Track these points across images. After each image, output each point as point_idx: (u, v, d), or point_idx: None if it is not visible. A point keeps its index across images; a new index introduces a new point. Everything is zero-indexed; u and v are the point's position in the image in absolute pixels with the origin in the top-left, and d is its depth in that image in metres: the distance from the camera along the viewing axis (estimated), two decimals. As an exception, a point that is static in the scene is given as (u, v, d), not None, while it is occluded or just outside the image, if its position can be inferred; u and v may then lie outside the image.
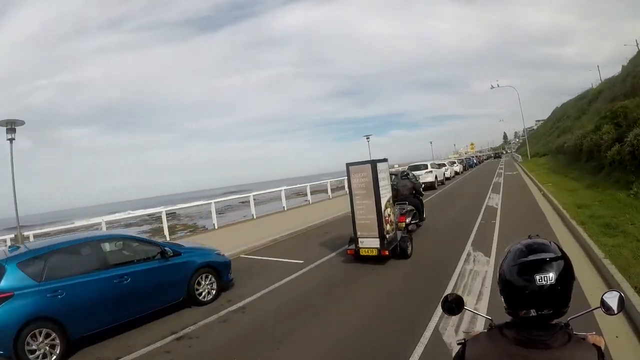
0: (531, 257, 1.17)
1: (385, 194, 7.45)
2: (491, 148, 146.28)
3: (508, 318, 1.25)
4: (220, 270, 6.43)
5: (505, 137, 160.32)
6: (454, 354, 1.37)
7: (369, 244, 7.15)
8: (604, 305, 1.37)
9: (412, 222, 9.27)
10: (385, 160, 7.82)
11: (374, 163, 7.22)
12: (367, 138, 29.92)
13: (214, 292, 6.22)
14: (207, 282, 6.19)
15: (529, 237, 1.28)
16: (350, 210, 7.49)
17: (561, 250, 1.20)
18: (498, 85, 44.16)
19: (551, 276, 1.13)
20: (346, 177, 7.55)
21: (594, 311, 1.46)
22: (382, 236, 7.08)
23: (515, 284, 1.17)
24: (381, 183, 7.27)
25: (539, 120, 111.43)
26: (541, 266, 1.14)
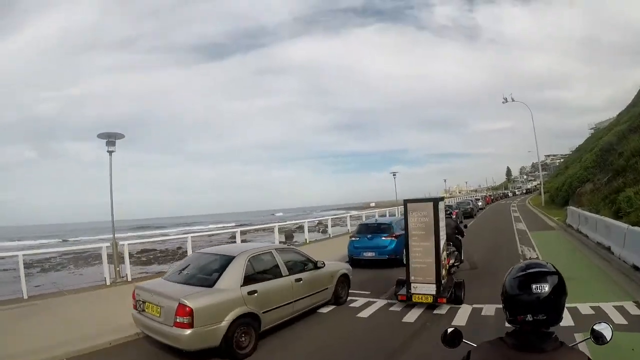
0: (529, 271, 1.39)
1: (443, 236, 6.91)
2: (490, 187, 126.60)
3: None
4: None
5: (508, 173, 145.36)
6: None
7: (424, 289, 6.53)
8: (594, 336, 1.59)
9: (454, 264, 8.71)
10: (442, 199, 7.32)
11: (436, 201, 6.71)
12: (393, 175, 30.27)
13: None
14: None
15: (529, 259, 1.70)
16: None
17: (555, 269, 1.42)
18: (512, 100, 36.30)
19: (545, 287, 1.33)
20: (404, 216, 6.99)
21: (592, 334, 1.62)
22: (439, 282, 6.49)
23: (515, 293, 1.38)
24: (440, 224, 6.74)
25: (549, 155, 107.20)
26: (537, 278, 1.36)
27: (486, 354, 1.39)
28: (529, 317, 1.33)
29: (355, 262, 10.45)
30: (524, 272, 1.39)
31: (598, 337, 1.58)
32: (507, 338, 1.39)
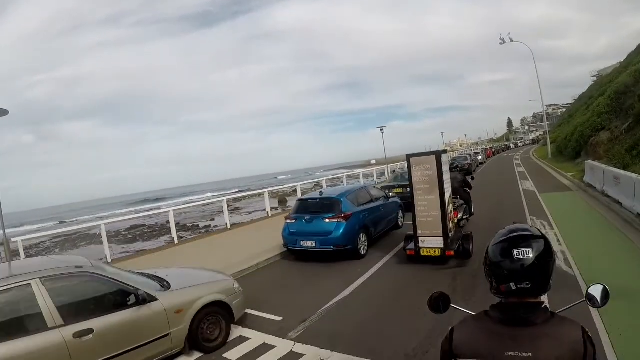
0: (511, 235, 1.28)
1: (448, 189, 6.79)
2: (491, 139, 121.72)
3: None
4: (403, 208, 9.58)
5: (509, 124, 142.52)
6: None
7: (432, 243, 6.51)
8: (588, 298, 1.49)
9: (463, 217, 8.64)
10: (445, 151, 7.14)
11: (438, 154, 6.54)
12: (380, 130, 28.40)
13: (403, 220, 9.48)
14: (400, 215, 9.84)
15: (513, 222, 1.40)
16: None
17: (541, 233, 1.31)
18: (511, 40, 31.66)
19: (529, 252, 1.22)
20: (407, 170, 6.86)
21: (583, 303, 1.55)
22: (446, 235, 6.45)
23: (497, 261, 1.27)
24: (444, 177, 6.60)
25: (550, 105, 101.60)
26: (519, 242, 1.24)
27: (471, 331, 1.28)
28: (513, 286, 1.22)
29: (293, 253, 8.09)
30: (505, 237, 1.28)
31: (593, 300, 1.48)
32: (491, 311, 1.28)
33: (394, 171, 19.38)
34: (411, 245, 6.76)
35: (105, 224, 9.65)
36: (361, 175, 21.89)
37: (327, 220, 7.46)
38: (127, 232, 25.05)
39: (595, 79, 63.68)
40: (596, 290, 1.48)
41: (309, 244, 7.57)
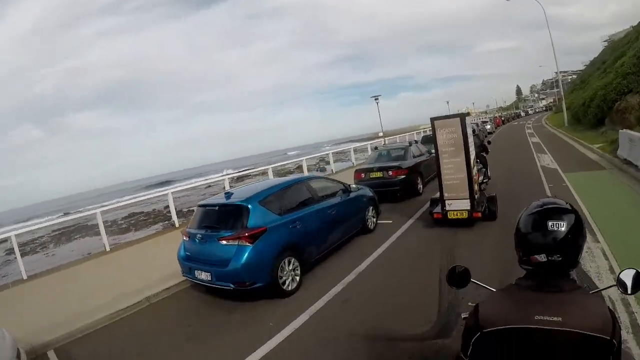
0: (546, 207, 1.27)
1: (472, 151, 6.76)
2: (500, 108, 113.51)
3: None
4: (377, 202, 7.26)
5: (518, 92, 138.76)
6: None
7: (459, 205, 6.55)
8: (620, 283, 1.41)
9: (483, 180, 8.64)
10: (468, 114, 7.06)
11: (462, 116, 6.49)
12: (375, 99, 26.37)
13: (375, 221, 7.13)
14: (372, 214, 7.14)
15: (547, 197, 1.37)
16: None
17: (573, 207, 1.28)
18: None
19: (562, 224, 1.21)
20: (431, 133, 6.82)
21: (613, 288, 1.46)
22: (472, 197, 6.47)
23: (529, 231, 1.26)
24: (469, 139, 6.57)
25: (558, 72, 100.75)
26: (553, 213, 1.24)
27: (498, 302, 1.27)
28: (543, 258, 1.22)
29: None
30: (540, 209, 1.27)
31: (623, 285, 1.40)
32: (520, 281, 1.28)
33: (375, 148, 14.90)
34: (438, 209, 6.81)
35: (100, 212, 8.50)
36: (368, 148, 19.43)
37: (223, 242, 4.70)
38: (122, 222, 23.82)
39: (606, 44, 61.35)
40: (628, 276, 1.40)
41: (203, 276, 4.89)
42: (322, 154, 26.32)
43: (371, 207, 7.19)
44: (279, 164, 21.28)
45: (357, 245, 6.52)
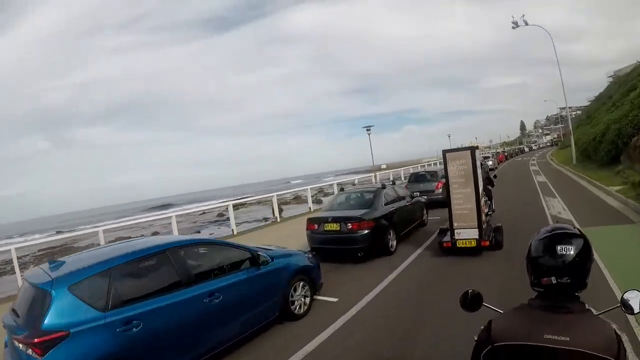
0: (555, 232, 1.35)
1: (480, 183, 7.12)
2: (504, 143, 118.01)
3: None
4: (314, 276, 5.32)
5: (522, 127, 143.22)
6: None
7: (467, 234, 6.82)
8: (623, 303, 1.47)
9: (488, 212, 8.94)
10: (477, 147, 7.48)
11: (472, 149, 6.90)
12: (367, 130, 24.17)
13: (308, 302, 5.09)
14: (301, 292, 5.03)
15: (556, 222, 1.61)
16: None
17: (581, 232, 1.36)
18: (526, 23, 26.10)
19: (571, 249, 1.28)
20: (443, 165, 7.21)
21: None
22: (480, 226, 6.76)
23: (540, 254, 1.34)
24: (478, 171, 6.95)
25: (563, 108, 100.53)
26: (562, 238, 1.31)
27: (511, 319, 1.35)
28: (553, 280, 1.29)
29: None
30: (549, 234, 1.35)
31: (628, 306, 1.45)
32: (532, 301, 1.37)
33: (342, 189, 12.97)
34: (447, 238, 7.07)
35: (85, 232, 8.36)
36: (309, 192, 16.78)
37: (17, 345, 3.03)
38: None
39: (611, 79, 62.72)
40: (633, 297, 1.45)
41: None
42: (299, 189, 23.17)
43: (301, 283, 5.07)
44: (265, 196, 17.89)
45: (273, 340, 4.44)
